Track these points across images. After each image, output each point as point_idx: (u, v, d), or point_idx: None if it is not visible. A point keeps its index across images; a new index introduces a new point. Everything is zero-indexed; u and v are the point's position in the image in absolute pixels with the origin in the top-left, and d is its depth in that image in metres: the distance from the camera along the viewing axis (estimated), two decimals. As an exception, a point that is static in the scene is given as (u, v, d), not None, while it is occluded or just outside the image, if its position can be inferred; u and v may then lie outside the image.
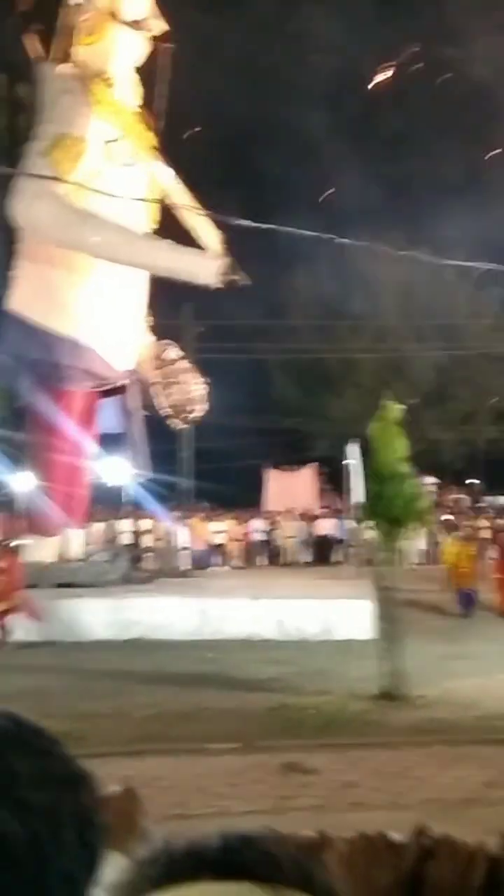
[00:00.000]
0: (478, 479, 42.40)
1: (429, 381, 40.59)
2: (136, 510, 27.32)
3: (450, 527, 25.50)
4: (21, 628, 16.35)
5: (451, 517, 28.82)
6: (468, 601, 18.62)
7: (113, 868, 1.05)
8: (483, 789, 8.00)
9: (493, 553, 22.72)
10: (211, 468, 34.52)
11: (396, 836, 1.26)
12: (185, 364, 22.52)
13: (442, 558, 22.89)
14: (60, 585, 18.69)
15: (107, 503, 27.17)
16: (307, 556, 30.92)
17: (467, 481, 41.92)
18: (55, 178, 18.34)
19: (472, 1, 33.84)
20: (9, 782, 0.64)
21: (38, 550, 19.91)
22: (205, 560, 28.05)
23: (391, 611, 12.77)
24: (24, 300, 20.07)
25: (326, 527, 31.55)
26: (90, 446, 21.28)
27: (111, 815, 1.42)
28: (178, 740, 9.95)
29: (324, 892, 0.76)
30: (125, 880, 0.78)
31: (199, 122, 25.93)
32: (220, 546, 29.78)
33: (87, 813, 0.68)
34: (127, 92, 21.08)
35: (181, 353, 22.82)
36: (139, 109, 21.33)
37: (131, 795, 1.46)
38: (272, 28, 42.54)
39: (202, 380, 22.55)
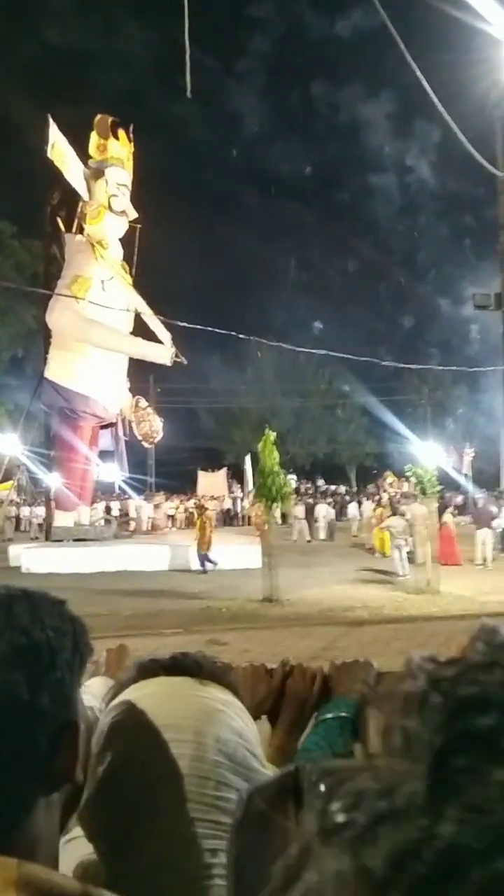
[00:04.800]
0: (317, 475, 42.95)
1: (290, 420, 40.93)
2: (121, 495, 26.91)
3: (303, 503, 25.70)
4: (49, 563, 15.96)
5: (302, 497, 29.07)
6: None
7: (108, 686, 1.05)
8: (321, 651, 8.06)
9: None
10: (165, 470, 34.19)
11: (270, 665, 1.29)
12: (150, 409, 22.24)
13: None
14: (76, 540, 18.25)
15: (104, 491, 26.69)
16: (220, 522, 30.74)
17: (312, 476, 42.42)
18: (74, 299, 18.02)
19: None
20: (37, 614, 0.65)
21: (63, 519, 19.46)
22: (162, 524, 27.67)
23: (269, 550, 12.78)
24: (55, 372, 19.62)
25: (229, 504, 31.46)
26: (93, 458, 20.88)
27: (110, 660, 1.42)
28: (147, 628, 9.81)
29: (227, 685, 0.79)
30: (116, 683, 0.80)
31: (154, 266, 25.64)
32: (171, 516, 29.41)
33: (77, 634, 0.68)
34: (115, 251, 20.82)
35: (147, 403, 22.54)
36: (122, 261, 21.09)
37: (123, 648, 1.46)
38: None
39: (159, 419, 22.33)
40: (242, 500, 30.12)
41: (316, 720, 1.16)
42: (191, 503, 30.82)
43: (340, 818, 0.26)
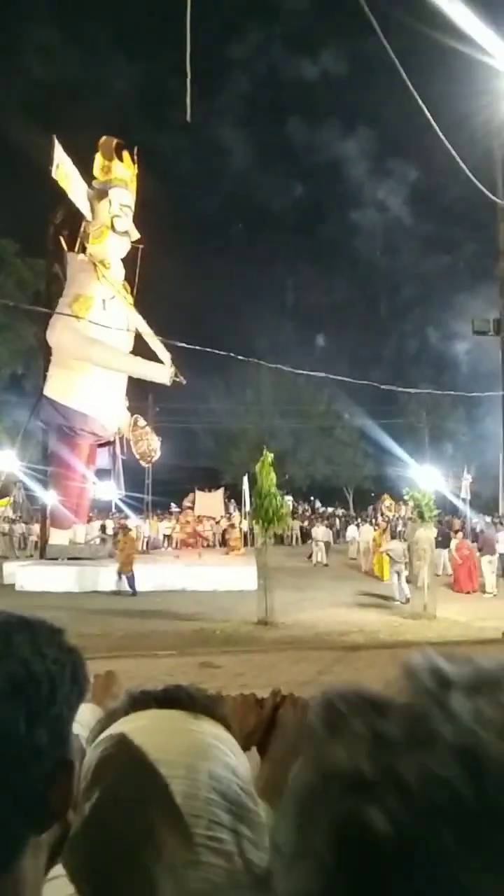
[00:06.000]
0: (314, 497, 42.92)
1: (288, 441, 40.99)
2: (117, 514, 26.84)
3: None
4: (44, 581, 15.86)
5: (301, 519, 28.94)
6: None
7: (95, 714, 1.03)
8: (316, 675, 7.99)
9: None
10: (162, 489, 34.11)
11: (260, 694, 1.26)
12: (148, 428, 22.28)
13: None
14: (71, 558, 18.16)
15: (100, 509, 26.64)
16: (217, 542, 30.56)
17: (310, 498, 42.39)
18: (75, 318, 18.12)
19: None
20: (36, 645, 0.62)
21: (58, 537, 19.38)
22: (158, 544, 27.56)
23: (265, 572, 12.71)
24: (55, 389, 19.68)
25: (226, 524, 31.38)
26: (90, 476, 20.86)
27: (98, 686, 1.39)
28: (139, 649, 9.71)
29: (220, 719, 0.77)
30: (105, 714, 0.78)
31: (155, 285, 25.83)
32: (167, 536, 29.28)
33: (76, 666, 0.65)
34: (117, 271, 20.99)
35: (145, 422, 22.59)
36: (123, 281, 21.26)
37: (111, 675, 1.43)
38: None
39: (157, 438, 22.36)
40: (227, 519, 30.05)
41: (307, 753, 1.14)
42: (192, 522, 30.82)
43: None
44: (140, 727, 0.72)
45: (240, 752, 0.77)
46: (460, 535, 17.66)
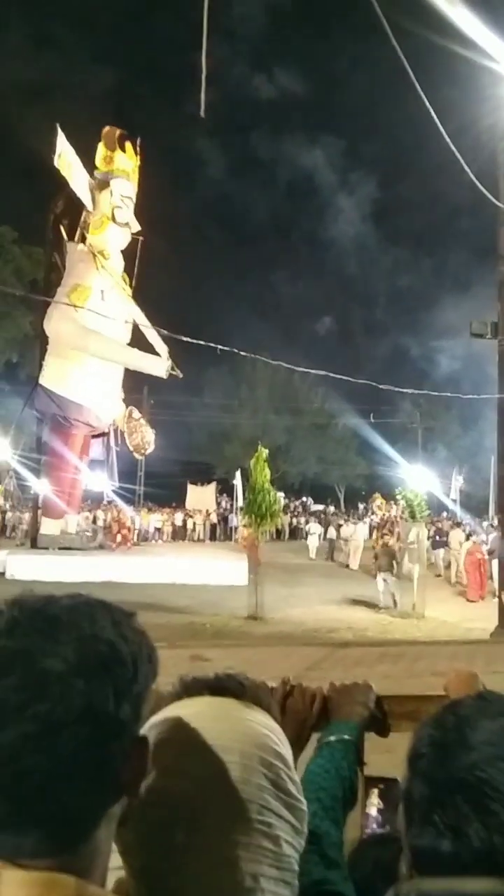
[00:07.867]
0: (306, 495, 43.00)
1: (281, 438, 40.96)
2: (109, 504, 26.82)
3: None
4: (34, 570, 15.82)
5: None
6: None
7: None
8: (305, 671, 8.03)
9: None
10: (155, 482, 34.14)
11: (271, 683, 1.31)
12: (142, 421, 22.27)
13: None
14: (62, 548, 18.15)
15: (92, 499, 26.62)
16: (208, 536, 30.61)
17: (301, 497, 42.48)
18: (73, 308, 18.07)
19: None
20: (118, 627, 0.66)
21: (50, 527, 19.35)
22: (149, 536, 27.56)
23: (256, 567, 12.76)
24: (50, 379, 19.64)
25: (217, 518, 31.45)
26: (83, 466, 20.85)
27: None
28: (130, 641, 9.74)
29: (266, 708, 0.81)
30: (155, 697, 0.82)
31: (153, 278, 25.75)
32: (159, 529, 29.29)
33: (150, 648, 0.69)
34: (116, 262, 20.94)
35: (140, 414, 22.58)
36: (122, 272, 21.21)
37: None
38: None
39: (152, 430, 22.34)
40: (231, 514, 30.07)
41: (318, 743, 1.18)
42: (178, 516, 30.83)
43: None
44: (196, 713, 0.76)
45: (286, 741, 0.81)
46: (472, 538, 16.84)
